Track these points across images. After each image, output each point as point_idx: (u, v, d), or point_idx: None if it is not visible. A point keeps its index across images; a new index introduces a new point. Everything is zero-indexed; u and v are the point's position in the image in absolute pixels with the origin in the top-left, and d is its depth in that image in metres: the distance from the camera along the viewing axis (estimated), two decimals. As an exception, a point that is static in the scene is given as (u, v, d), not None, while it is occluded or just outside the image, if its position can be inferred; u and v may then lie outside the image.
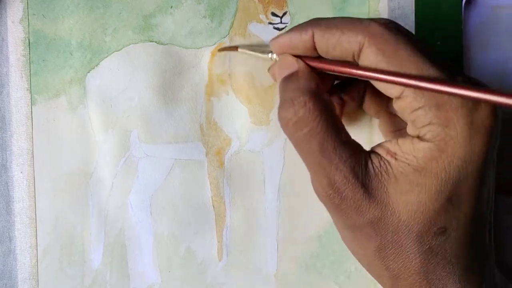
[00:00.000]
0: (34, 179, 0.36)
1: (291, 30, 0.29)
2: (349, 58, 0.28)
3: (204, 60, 0.36)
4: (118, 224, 0.37)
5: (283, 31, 0.36)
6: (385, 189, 0.26)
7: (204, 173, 0.37)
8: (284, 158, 0.36)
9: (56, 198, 0.36)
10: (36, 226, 0.36)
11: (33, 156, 0.36)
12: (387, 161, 0.27)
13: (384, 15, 0.36)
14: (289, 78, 0.29)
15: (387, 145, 0.27)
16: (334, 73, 0.29)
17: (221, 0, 0.36)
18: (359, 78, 0.27)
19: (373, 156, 0.27)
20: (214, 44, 0.36)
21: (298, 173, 0.36)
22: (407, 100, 0.26)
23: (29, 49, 0.36)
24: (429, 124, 0.25)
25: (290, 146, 0.36)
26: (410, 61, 0.26)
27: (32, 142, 0.36)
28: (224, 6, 0.36)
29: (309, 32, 0.28)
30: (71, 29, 0.36)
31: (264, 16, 0.36)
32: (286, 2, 0.36)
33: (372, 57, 0.26)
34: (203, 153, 0.36)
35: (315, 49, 0.28)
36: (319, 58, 0.29)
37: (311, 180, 0.28)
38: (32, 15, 0.36)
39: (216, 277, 0.37)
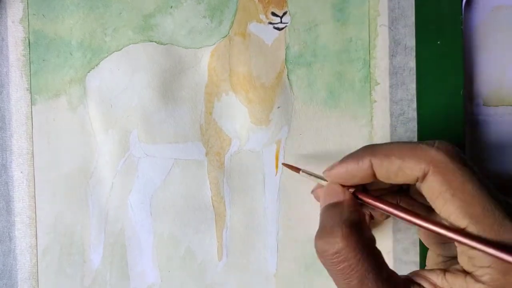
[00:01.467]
0: (34, 179, 0.36)
1: (347, 159, 0.29)
2: (411, 183, 0.27)
3: (204, 60, 0.36)
4: (118, 224, 0.37)
5: (282, 31, 0.36)
6: None
7: (204, 173, 0.37)
8: (284, 158, 0.36)
9: (56, 198, 0.36)
10: (36, 226, 0.36)
11: (33, 156, 0.36)
12: None
13: (384, 15, 0.36)
14: (333, 206, 0.28)
15: (432, 277, 0.26)
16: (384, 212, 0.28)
17: (221, 0, 0.36)
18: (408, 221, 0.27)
19: None
20: (214, 44, 0.36)
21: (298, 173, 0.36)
22: None
23: (29, 49, 0.36)
24: (489, 267, 0.25)
25: (290, 146, 0.36)
26: (476, 198, 0.25)
27: (32, 142, 0.36)
28: (224, 6, 0.36)
29: (367, 162, 0.27)
30: (71, 29, 0.36)
31: (264, 16, 0.36)
32: (286, 1, 0.36)
33: (437, 186, 0.26)
34: (203, 153, 0.36)
35: (373, 176, 0.28)
36: (368, 193, 0.29)
37: None
38: (32, 15, 0.36)
39: (216, 277, 0.37)
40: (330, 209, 0.28)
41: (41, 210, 0.36)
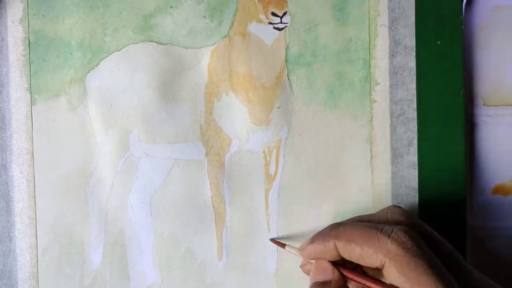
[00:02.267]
0: (34, 179, 0.36)
1: (315, 239, 0.31)
2: (373, 267, 0.29)
3: (204, 60, 0.36)
4: (118, 224, 0.37)
5: (282, 31, 0.36)
6: None
7: (204, 173, 0.37)
8: (284, 158, 0.36)
9: (56, 198, 0.36)
10: (36, 226, 0.36)
11: (33, 156, 0.36)
12: None
13: (384, 15, 0.36)
14: (321, 285, 0.30)
15: None
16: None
17: (221, 0, 0.36)
18: None
19: None
20: (214, 44, 0.36)
21: (298, 173, 0.36)
22: None
23: (29, 49, 0.36)
24: None
25: (290, 146, 0.36)
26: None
27: (32, 142, 0.36)
28: (224, 6, 0.36)
29: (331, 244, 0.29)
30: (71, 29, 0.36)
31: (264, 16, 0.36)
32: (286, 2, 0.36)
33: (395, 277, 0.27)
34: (203, 153, 0.36)
35: (339, 256, 0.30)
36: (355, 271, 0.30)
37: None
38: (32, 15, 0.36)
39: (216, 277, 0.37)
40: (319, 287, 0.30)
41: (41, 210, 0.36)
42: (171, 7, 0.36)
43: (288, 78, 0.36)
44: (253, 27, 0.36)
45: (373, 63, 0.36)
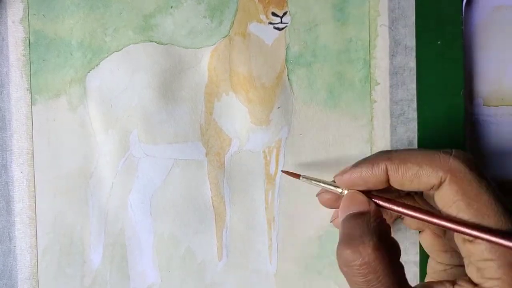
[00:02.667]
0: (34, 179, 0.36)
1: (361, 164, 0.29)
2: (425, 190, 0.27)
3: (204, 60, 0.36)
4: (118, 224, 0.37)
5: (283, 31, 0.36)
6: None
7: (204, 173, 0.37)
8: (284, 158, 0.36)
9: (56, 198, 0.36)
10: (36, 226, 0.36)
11: (33, 156, 0.36)
12: None
13: (384, 15, 0.36)
14: (358, 216, 0.27)
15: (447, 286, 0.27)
16: (406, 216, 0.28)
17: (221, 0, 0.36)
18: (435, 225, 0.27)
19: None
20: (214, 44, 0.36)
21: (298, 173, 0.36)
22: (479, 248, 0.25)
23: (29, 49, 0.36)
24: (498, 279, 0.25)
25: (290, 146, 0.36)
26: (490, 210, 0.25)
27: (32, 142, 0.36)
28: (224, 6, 0.36)
29: (382, 167, 0.28)
30: (71, 29, 0.36)
31: (265, 16, 0.36)
32: (286, 2, 0.36)
33: (452, 195, 0.26)
34: (203, 153, 0.36)
35: (387, 182, 0.28)
36: (388, 199, 0.29)
37: None
38: (33, 15, 0.36)
39: (216, 277, 0.37)
40: (355, 218, 0.27)
41: (41, 210, 0.36)
42: (171, 7, 0.36)
43: (288, 78, 0.36)
44: (253, 27, 0.36)
45: (373, 63, 0.36)
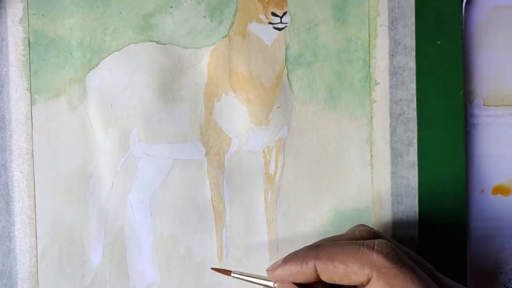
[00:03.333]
0: (34, 179, 0.36)
1: (290, 260, 0.29)
2: (356, 284, 0.28)
3: (203, 60, 0.36)
4: (118, 224, 0.37)
5: (282, 30, 0.36)
6: None
7: (204, 173, 0.37)
8: (284, 158, 0.36)
9: (56, 198, 0.36)
10: (36, 226, 0.36)
11: (32, 156, 0.36)
12: None
13: (384, 14, 0.36)
14: None
15: None
16: None
17: (220, 0, 0.36)
18: None
19: None
20: (214, 43, 0.36)
21: (298, 173, 0.36)
22: None
23: (29, 48, 0.36)
24: None
25: (289, 146, 0.36)
26: None
27: (32, 142, 0.36)
28: (224, 6, 0.36)
29: (311, 265, 0.28)
30: (71, 28, 0.36)
31: (264, 16, 0.36)
32: (286, 1, 0.36)
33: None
34: (203, 153, 0.36)
35: (317, 277, 0.29)
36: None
37: None
38: (32, 15, 0.36)
39: (215, 276, 0.37)
40: None
41: (40, 210, 0.36)
42: (171, 7, 0.36)
43: (288, 78, 0.36)
44: (253, 27, 0.36)
45: (373, 63, 0.36)
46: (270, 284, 0.31)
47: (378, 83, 0.36)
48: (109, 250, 0.37)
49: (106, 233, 0.37)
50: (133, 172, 0.36)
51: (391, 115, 0.36)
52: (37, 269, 0.37)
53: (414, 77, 0.36)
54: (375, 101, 0.36)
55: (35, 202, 0.36)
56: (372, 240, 0.28)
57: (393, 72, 0.36)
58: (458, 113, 0.36)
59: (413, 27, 0.36)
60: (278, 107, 0.36)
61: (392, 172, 0.36)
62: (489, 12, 0.36)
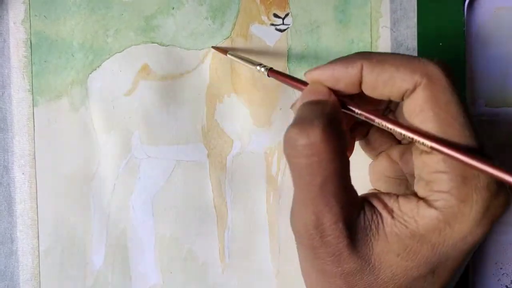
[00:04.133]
0: (36, 180, 0.36)
1: (335, 61, 0.26)
2: (397, 99, 0.25)
3: (205, 61, 0.36)
4: (120, 225, 0.37)
5: (284, 32, 0.36)
6: (371, 245, 0.24)
7: (206, 175, 0.37)
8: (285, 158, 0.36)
9: (58, 200, 0.36)
10: (38, 228, 0.36)
11: (34, 158, 0.36)
12: (382, 217, 0.25)
13: (386, 16, 0.36)
14: (314, 103, 0.25)
15: (385, 199, 0.25)
16: (370, 122, 0.26)
17: (222, 1, 0.36)
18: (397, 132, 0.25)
19: (366, 207, 0.25)
20: (216, 45, 0.36)
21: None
22: (434, 159, 0.24)
23: (31, 50, 0.36)
24: (447, 192, 0.24)
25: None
26: (456, 122, 0.24)
27: (34, 143, 0.36)
28: (226, 7, 0.36)
29: (358, 65, 0.25)
30: (72, 30, 0.36)
31: (266, 17, 0.36)
32: (288, 3, 0.36)
33: (422, 101, 0.24)
34: (205, 154, 0.36)
35: (359, 85, 0.26)
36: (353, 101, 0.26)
37: (293, 209, 0.26)
38: (34, 16, 0.36)
39: (218, 278, 0.37)
40: (311, 104, 0.25)
41: (42, 211, 0.36)
42: (173, 8, 0.36)
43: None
44: (255, 29, 0.36)
45: (375, 65, 0.36)
46: (261, 69, 0.28)
47: (380, 85, 0.36)
48: (111, 252, 0.37)
49: (108, 235, 0.37)
50: (135, 174, 0.36)
51: (393, 116, 0.36)
52: (39, 271, 0.37)
53: (416, 78, 0.36)
54: (377, 103, 0.36)
55: (37, 203, 0.36)
56: (433, 57, 0.25)
57: (395, 74, 0.36)
58: (460, 114, 0.36)
59: (415, 29, 0.36)
60: (280, 109, 0.36)
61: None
62: (491, 13, 0.36)
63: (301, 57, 0.36)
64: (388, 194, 0.26)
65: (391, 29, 0.36)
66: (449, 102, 0.24)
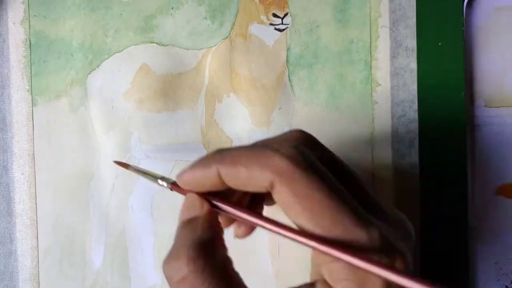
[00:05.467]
0: (35, 180, 0.36)
1: (195, 165, 0.26)
2: (263, 191, 0.24)
3: (205, 61, 0.36)
4: (119, 226, 0.37)
5: (283, 32, 0.36)
6: None
7: (205, 175, 0.36)
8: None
9: (57, 200, 0.36)
10: (37, 228, 0.36)
11: (34, 158, 0.36)
12: None
13: (385, 16, 0.36)
14: (186, 224, 0.25)
15: None
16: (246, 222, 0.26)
17: (222, 1, 0.36)
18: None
19: None
20: (215, 45, 0.36)
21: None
22: (336, 266, 0.24)
23: (30, 50, 0.36)
24: (346, 279, 0.23)
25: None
26: (325, 208, 0.23)
27: (33, 143, 0.36)
28: (225, 7, 0.36)
29: (214, 169, 0.25)
30: (72, 30, 0.36)
31: (265, 17, 0.36)
32: (287, 3, 0.36)
33: (286, 197, 0.23)
34: (204, 154, 0.36)
35: (223, 183, 0.25)
36: (229, 201, 0.26)
37: None
38: (33, 17, 0.36)
39: (217, 278, 0.37)
40: (184, 227, 0.25)
41: (42, 211, 0.36)
42: (172, 8, 0.36)
43: (289, 80, 0.36)
44: (254, 28, 0.36)
45: (374, 65, 0.36)
46: (163, 184, 0.28)
47: (380, 85, 0.36)
48: (111, 252, 0.37)
49: (108, 235, 0.37)
50: (135, 174, 0.36)
51: (393, 116, 0.36)
52: (39, 271, 0.37)
53: (416, 78, 0.36)
54: (376, 103, 0.36)
55: (36, 203, 0.36)
56: (281, 142, 0.25)
57: (395, 74, 0.36)
58: (459, 114, 0.36)
59: (415, 29, 0.36)
60: (279, 109, 0.36)
61: (394, 174, 0.36)
62: (490, 13, 0.36)
63: (300, 57, 0.36)
64: (308, 285, 0.26)
65: (391, 29, 0.36)
66: (310, 193, 0.23)
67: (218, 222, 0.26)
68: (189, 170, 0.26)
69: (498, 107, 0.36)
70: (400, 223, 0.26)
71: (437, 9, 0.36)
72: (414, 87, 0.36)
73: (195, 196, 0.26)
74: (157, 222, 0.37)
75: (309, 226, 0.23)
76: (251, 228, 0.29)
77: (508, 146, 0.36)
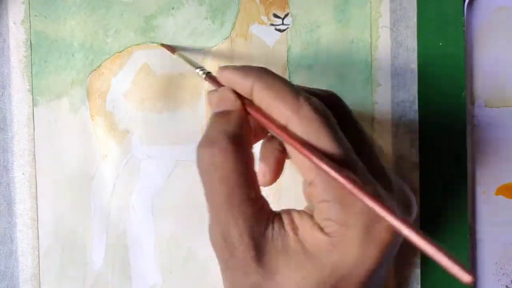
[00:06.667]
0: (36, 180, 0.36)
1: (238, 69, 0.27)
2: (278, 132, 0.26)
3: (205, 61, 0.36)
4: (120, 225, 0.37)
5: (284, 32, 0.36)
6: (276, 258, 0.25)
7: (206, 175, 0.36)
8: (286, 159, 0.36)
9: (58, 199, 0.36)
10: (38, 228, 0.36)
11: (34, 158, 0.36)
12: (286, 232, 0.25)
13: (386, 16, 0.36)
14: (220, 116, 0.27)
15: (295, 215, 0.26)
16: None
17: (222, 1, 0.36)
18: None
19: (276, 221, 0.26)
20: (216, 45, 0.36)
21: (299, 174, 0.36)
22: (317, 189, 0.25)
23: (31, 50, 0.36)
24: (329, 219, 0.25)
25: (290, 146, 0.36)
26: (327, 137, 0.25)
27: (34, 143, 0.36)
28: (226, 8, 0.36)
29: (250, 81, 0.26)
30: (72, 30, 0.36)
31: (266, 18, 0.36)
32: (288, 3, 0.36)
33: (298, 134, 0.25)
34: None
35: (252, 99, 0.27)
36: (259, 108, 0.27)
37: (209, 223, 0.27)
38: (34, 17, 0.36)
39: (218, 278, 0.37)
40: (216, 117, 0.27)
41: (42, 211, 0.36)
42: (173, 8, 0.36)
43: (290, 80, 0.36)
44: (254, 29, 0.36)
45: (375, 65, 0.36)
46: (200, 73, 0.30)
47: (380, 85, 0.36)
48: (112, 252, 0.37)
49: (108, 234, 0.37)
50: (135, 173, 0.36)
51: (393, 116, 0.36)
52: (39, 271, 0.37)
53: (416, 78, 0.36)
54: (376, 103, 0.36)
55: (37, 203, 0.36)
56: (312, 97, 0.26)
57: (395, 74, 0.36)
58: (460, 114, 0.36)
59: (415, 29, 0.36)
60: (280, 109, 0.36)
61: (394, 174, 0.36)
62: (491, 13, 0.36)
63: (301, 57, 0.36)
64: (299, 211, 0.27)
65: (391, 29, 0.36)
66: (319, 135, 0.25)
67: (248, 121, 0.27)
68: (232, 69, 0.27)
69: (498, 107, 0.37)
70: (404, 195, 0.28)
71: (437, 9, 0.36)
72: (414, 87, 0.36)
73: (231, 92, 0.27)
74: (158, 221, 0.37)
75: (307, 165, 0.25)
76: (276, 174, 0.30)
77: (508, 146, 0.37)
